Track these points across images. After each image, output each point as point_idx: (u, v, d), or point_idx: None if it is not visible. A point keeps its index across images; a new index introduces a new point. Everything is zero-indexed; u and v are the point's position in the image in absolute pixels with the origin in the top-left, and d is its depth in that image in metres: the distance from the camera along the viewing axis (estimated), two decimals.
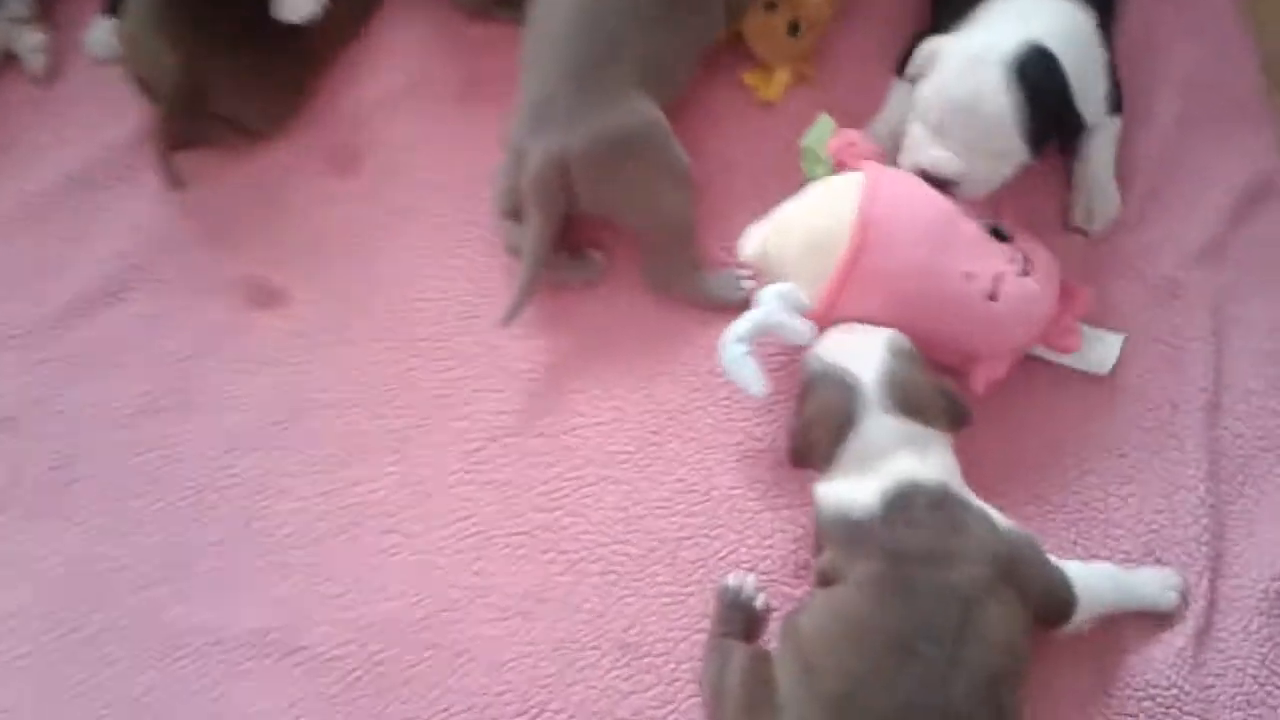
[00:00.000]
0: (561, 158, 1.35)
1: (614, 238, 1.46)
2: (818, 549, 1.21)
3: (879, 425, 1.17)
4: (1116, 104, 1.43)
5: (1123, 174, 1.45)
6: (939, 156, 1.32)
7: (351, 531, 1.34)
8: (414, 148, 1.56)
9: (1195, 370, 1.36)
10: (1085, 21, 1.36)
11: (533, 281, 1.37)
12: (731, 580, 1.25)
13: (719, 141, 1.52)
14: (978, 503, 1.16)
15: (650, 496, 1.34)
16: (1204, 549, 1.26)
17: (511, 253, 1.44)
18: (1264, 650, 1.22)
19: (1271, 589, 1.24)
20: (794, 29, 1.50)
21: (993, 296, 1.26)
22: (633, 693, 1.24)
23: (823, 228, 1.27)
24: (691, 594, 1.28)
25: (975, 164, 1.31)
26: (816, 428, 1.20)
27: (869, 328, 1.24)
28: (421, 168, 1.55)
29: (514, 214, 1.42)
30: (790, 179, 1.41)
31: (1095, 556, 1.26)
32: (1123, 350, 1.36)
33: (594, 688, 1.25)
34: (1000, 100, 1.28)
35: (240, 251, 1.51)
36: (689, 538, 1.31)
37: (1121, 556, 1.27)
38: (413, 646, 1.27)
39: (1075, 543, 1.28)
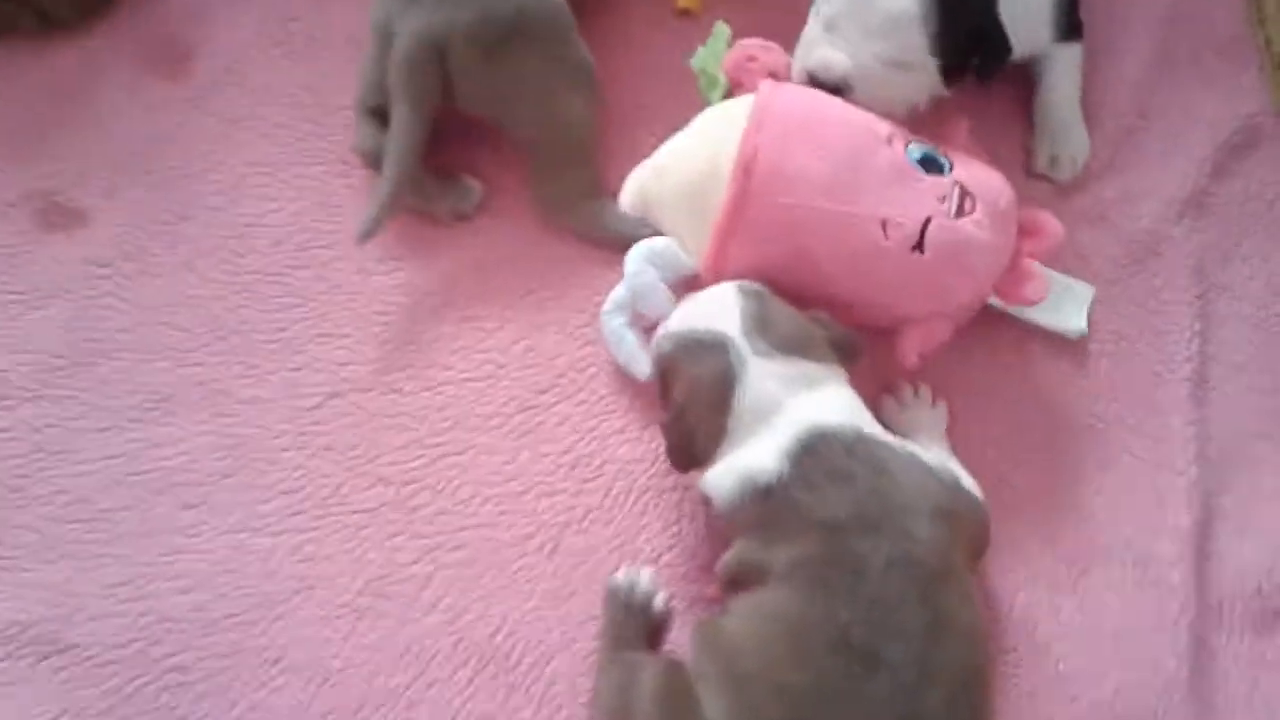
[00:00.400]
0: (438, 38, 1.10)
1: (497, 159, 1.20)
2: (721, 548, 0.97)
3: (761, 373, 0.95)
4: (1072, 28, 1.24)
5: (1091, 113, 1.25)
6: (826, 56, 1.10)
7: (145, 504, 1.06)
8: (256, 46, 1.28)
9: (1178, 337, 1.16)
10: None
11: (395, 193, 1.12)
12: (621, 576, 1.01)
13: (633, 55, 1.27)
14: (894, 439, 0.96)
15: (529, 470, 1.08)
16: (1190, 549, 1.06)
17: (369, 163, 1.18)
18: (1255, 674, 1.03)
19: (1263, 600, 1.05)
20: None
21: (918, 246, 1.03)
22: (497, 715, 0.98)
23: (701, 168, 1.05)
24: (575, 593, 1.03)
25: (870, 69, 1.10)
26: (692, 408, 0.96)
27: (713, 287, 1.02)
28: (263, 69, 1.27)
29: (378, 115, 1.17)
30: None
31: (1073, 553, 1.06)
32: (1094, 310, 1.15)
33: (447, 707, 0.99)
34: None
35: (31, 164, 1.22)
36: (575, 522, 1.06)
37: (1101, 554, 1.06)
38: (212, 650, 1.00)
39: (1052, 540, 1.07)
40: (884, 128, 1.07)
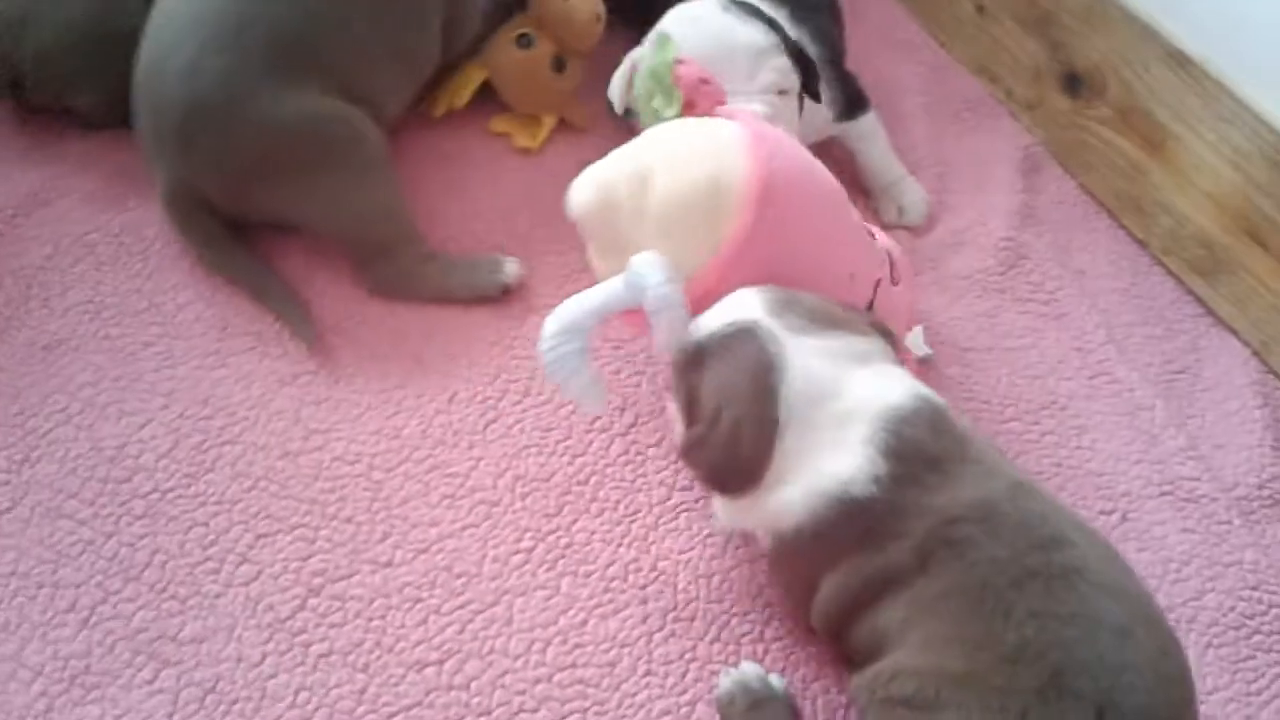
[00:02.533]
0: (187, 186, 1.07)
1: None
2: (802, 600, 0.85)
3: (804, 351, 0.83)
4: (852, 106, 1.34)
5: (909, 169, 1.35)
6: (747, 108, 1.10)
7: None
8: None
9: (1078, 313, 1.23)
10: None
11: (283, 300, 1.07)
12: (726, 684, 0.86)
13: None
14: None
15: (579, 597, 0.91)
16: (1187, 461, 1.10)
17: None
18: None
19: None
20: (560, 65, 1.27)
21: (869, 305, 1.02)
22: None
23: (702, 186, 0.96)
24: (697, 700, 0.86)
25: (773, 107, 1.13)
26: (731, 407, 0.82)
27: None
28: None
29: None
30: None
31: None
32: (999, 321, 1.21)
33: None
34: (743, 27, 1.16)
35: None
36: (655, 632, 0.90)
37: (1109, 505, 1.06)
38: None
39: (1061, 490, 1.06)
40: None
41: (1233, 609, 0.99)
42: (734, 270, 0.95)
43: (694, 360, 0.86)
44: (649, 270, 0.91)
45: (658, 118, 1.04)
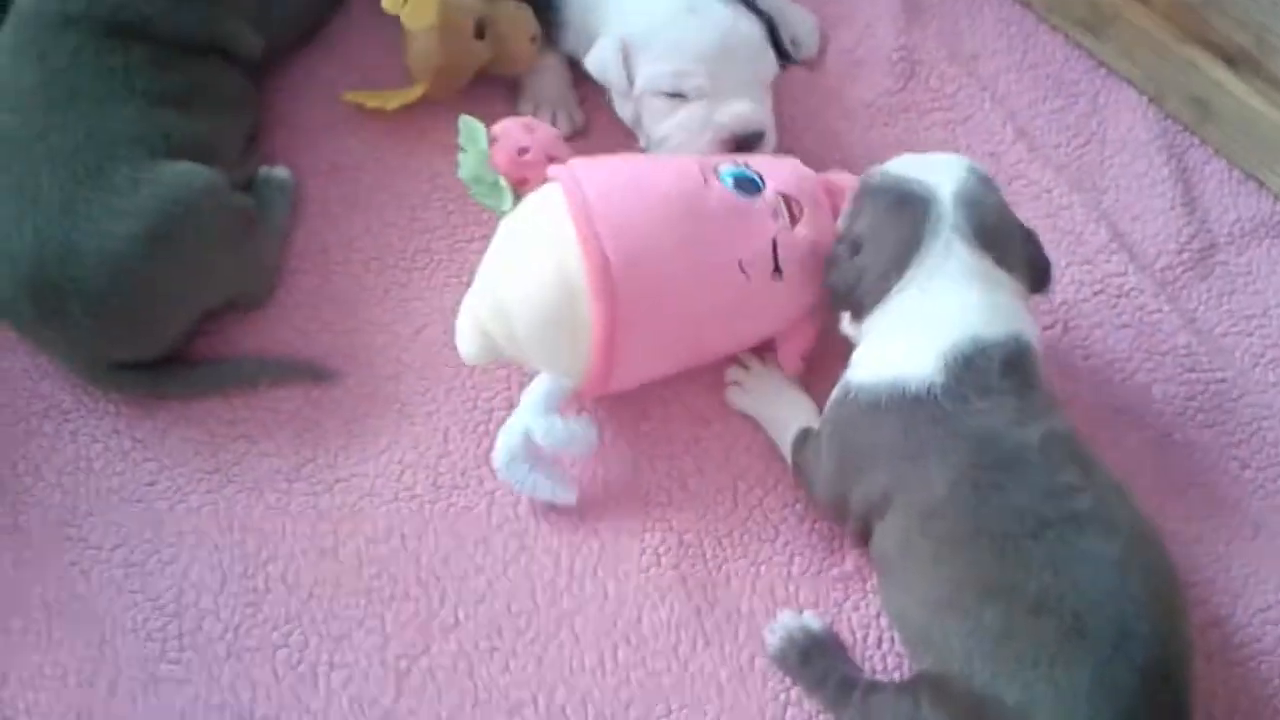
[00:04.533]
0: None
1: None
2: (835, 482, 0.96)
3: (949, 249, 0.92)
4: None
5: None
6: (740, 109, 1.10)
7: None
8: None
9: (982, 113, 1.28)
10: None
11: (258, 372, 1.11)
12: (775, 639, 0.99)
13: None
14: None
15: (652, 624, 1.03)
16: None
17: None
18: None
19: None
20: (480, 32, 1.20)
21: (776, 271, 1.01)
22: None
23: (553, 295, 0.96)
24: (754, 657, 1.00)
25: (763, 105, 1.14)
26: (871, 247, 0.95)
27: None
28: None
29: None
30: None
31: None
32: (911, 144, 1.23)
33: None
34: (748, 23, 1.13)
35: None
36: (708, 588, 1.02)
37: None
38: None
39: None
40: (693, 168, 1.03)
41: (1175, 395, 1.12)
42: (618, 351, 0.97)
43: (873, 188, 0.98)
44: (529, 423, 1.00)
45: (498, 212, 1.05)
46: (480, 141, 1.06)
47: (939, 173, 0.96)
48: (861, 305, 0.96)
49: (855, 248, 0.96)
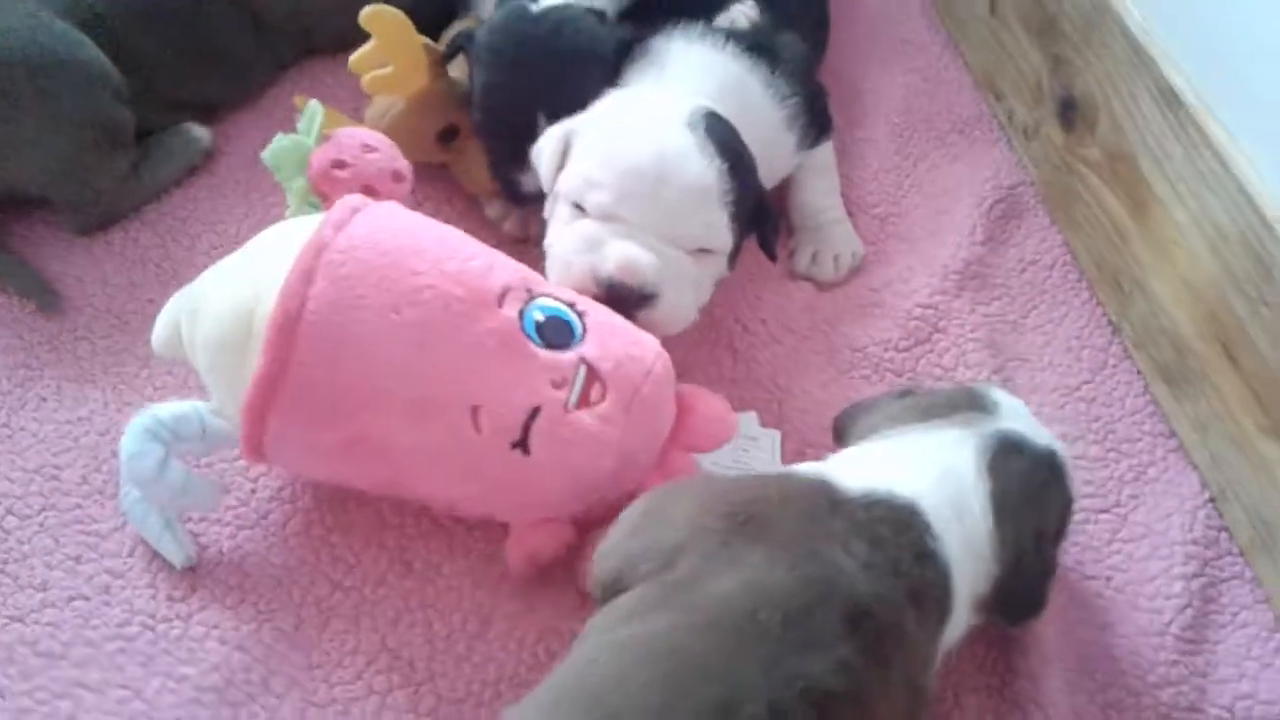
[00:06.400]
0: None
1: None
2: None
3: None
4: (821, 131, 1.10)
5: (848, 208, 1.11)
6: (629, 253, 0.88)
7: None
8: None
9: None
10: (749, 75, 1.02)
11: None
12: None
13: None
14: None
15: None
16: None
17: None
18: None
19: None
20: (449, 136, 1.08)
21: (520, 444, 0.79)
22: None
23: (234, 318, 0.79)
24: None
25: (675, 263, 0.90)
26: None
27: None
28: None
29: None
30: None
31: None
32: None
33: None
34: (699, 164, 0.90)
35: None
36: None
37: None
38: None
39: None
40: (499, 278, 0.82)
41: None
42: (270, 418, 0.78)
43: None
44: (128, 438, 0.82)
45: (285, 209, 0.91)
46: (311, 134, 0.91)
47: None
48: None
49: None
